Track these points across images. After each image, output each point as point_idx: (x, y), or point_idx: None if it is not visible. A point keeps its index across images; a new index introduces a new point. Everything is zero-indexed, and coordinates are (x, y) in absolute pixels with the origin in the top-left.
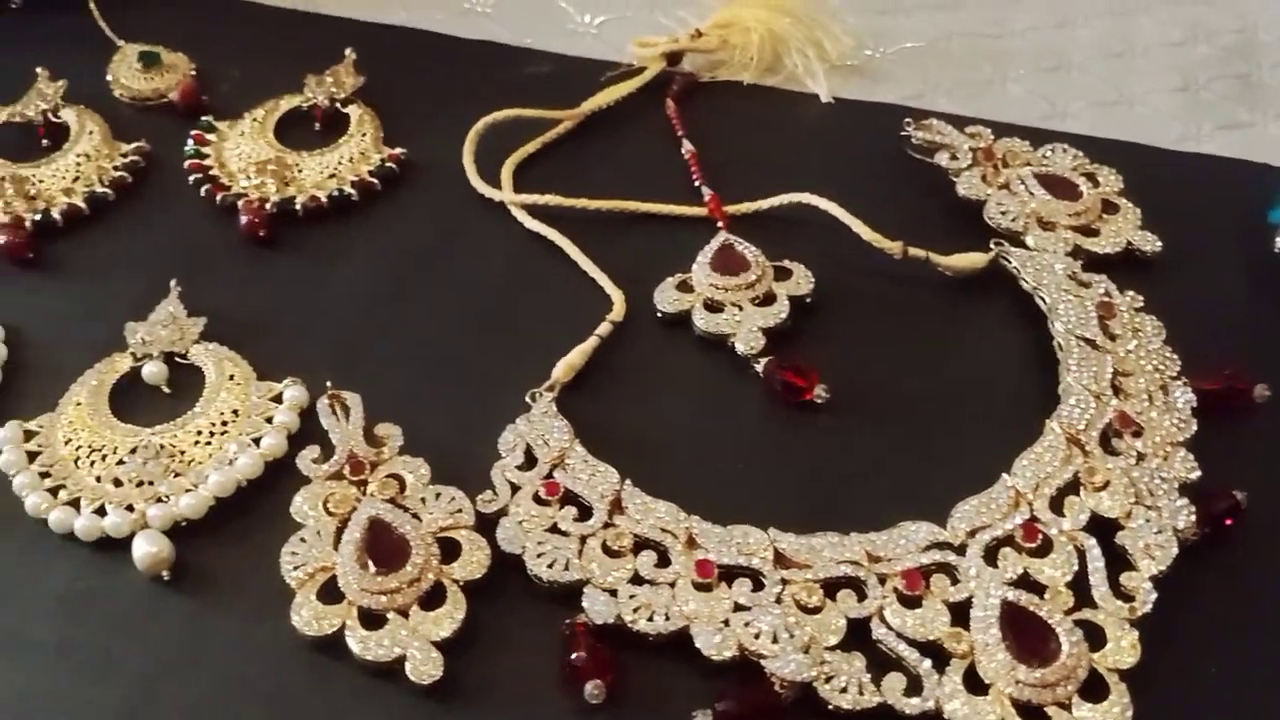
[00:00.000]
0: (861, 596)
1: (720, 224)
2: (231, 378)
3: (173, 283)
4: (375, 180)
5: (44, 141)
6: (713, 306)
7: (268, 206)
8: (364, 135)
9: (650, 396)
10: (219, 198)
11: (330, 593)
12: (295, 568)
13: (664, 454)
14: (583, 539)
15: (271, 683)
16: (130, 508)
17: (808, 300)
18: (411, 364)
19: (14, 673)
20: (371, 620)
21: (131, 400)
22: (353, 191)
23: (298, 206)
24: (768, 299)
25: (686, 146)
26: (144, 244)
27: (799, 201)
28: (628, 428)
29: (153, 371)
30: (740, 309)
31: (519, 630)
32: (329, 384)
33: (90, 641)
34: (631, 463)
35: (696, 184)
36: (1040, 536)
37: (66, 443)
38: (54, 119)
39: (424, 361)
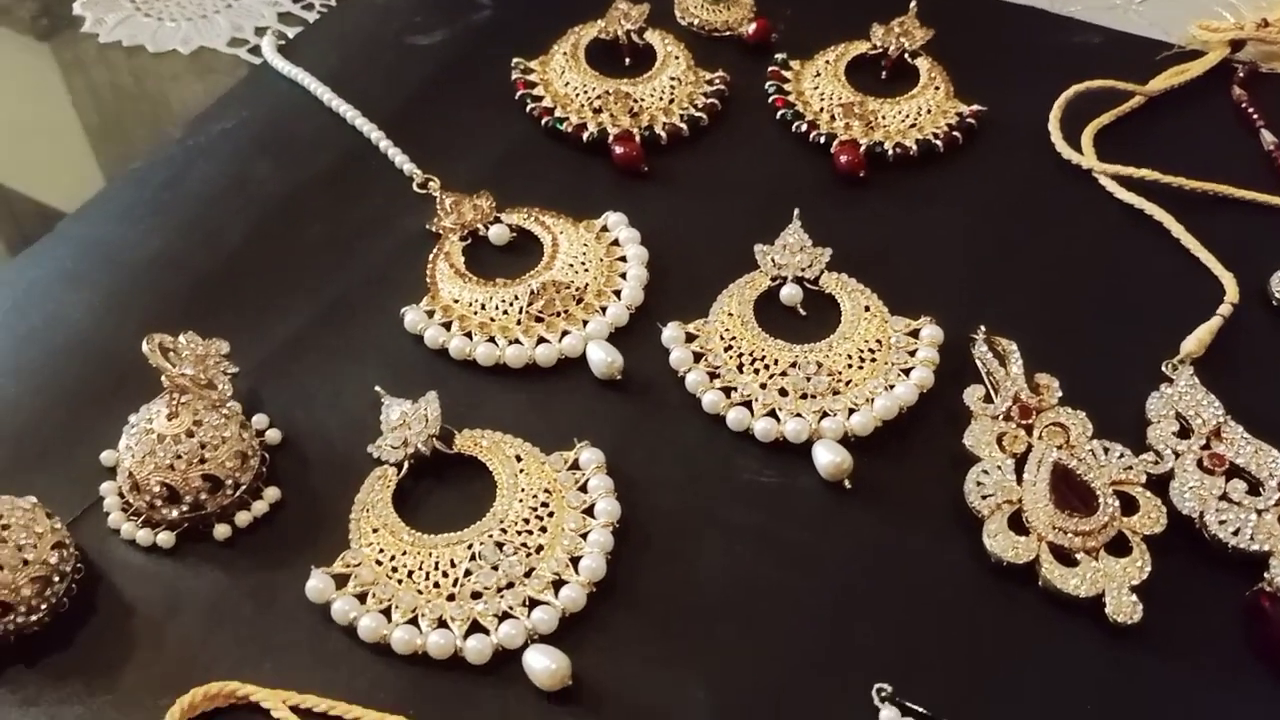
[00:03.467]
0: None
1: None
2: (867, 309)
3: (795, 212)
4: (957, 134)
5: (626, 61)
6: None
7: (860, 150)
8: (937, 89)
9: (1271, 383)
10: (812, 135)
11: (1014, 525)
12: (984, 496)
13: None
14: (1258, 511)
15: (960, 598)
16: (799, 415)
17: None
18: (1022, 316)
19: (722, 553)
20: (1060, 557)
21: (769, 314)
22: (938, 143)
23: (888, 151)
24: None
25: (1268, 138)
26: (740, 168)
27: None
28: (1252, 410)
29: (790, 293)
30: None
31: (1192, 587)
32: (982, 328)
33: (788, 535)
34: None
35: None
36: None
37: (726, 349)
38: (636, 41)
39: (1033, 315)
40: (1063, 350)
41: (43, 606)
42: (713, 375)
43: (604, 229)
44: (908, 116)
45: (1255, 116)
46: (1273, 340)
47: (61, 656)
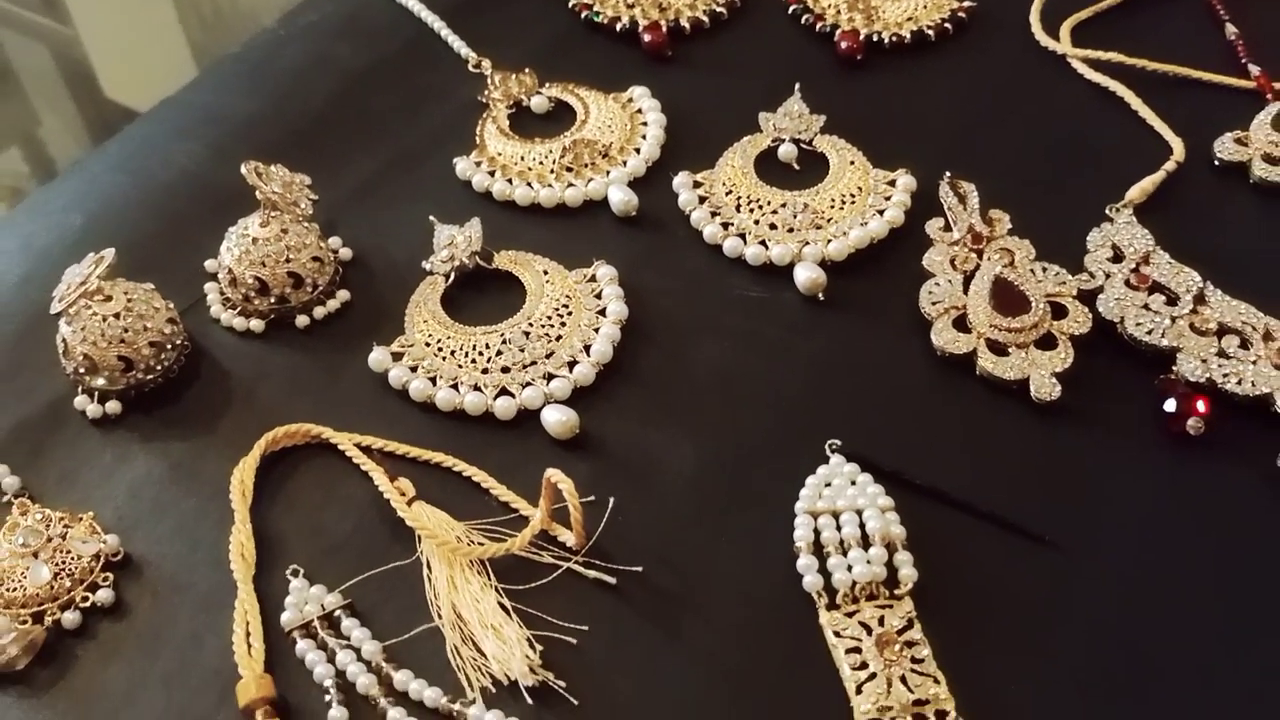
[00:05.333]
0: None
1: (1269, 96)
2: (852, 163)
3: (796, 85)
4: (948, 26)
5: None
6: (1272, 160)
7: (860, 37)
8: None
9: (1208, 227)
10: (818, 26)
11: (958, 325)
12: (933, 302)
13: (1223, 275)
14: (1172, 319)
15: (910, 383)
16: (784, 244)
17: None
18: (993, 172)
19: (713, 347)
20: (995, 349)
21: (768, 169)
22: (930, 32)
23: (885, 39)
24: None
25: (1231, 29)
26: (754, 55)
27: None
28: (1182, 248)
29: (787, 151)
30: None
31: (1111, 379)
32: (948, 173)
33: (770, 335)
34: None
35: (1243, 61)
36: None
37: (728, 193)
38: None
39: (999, 170)
40: (1020, 197)
41: (157, 367)
42: (714, 214)
43: (630, 100)
44: (905, 11)
45: (1222, 12)
46: (1210, 194)
47: (172, 409)
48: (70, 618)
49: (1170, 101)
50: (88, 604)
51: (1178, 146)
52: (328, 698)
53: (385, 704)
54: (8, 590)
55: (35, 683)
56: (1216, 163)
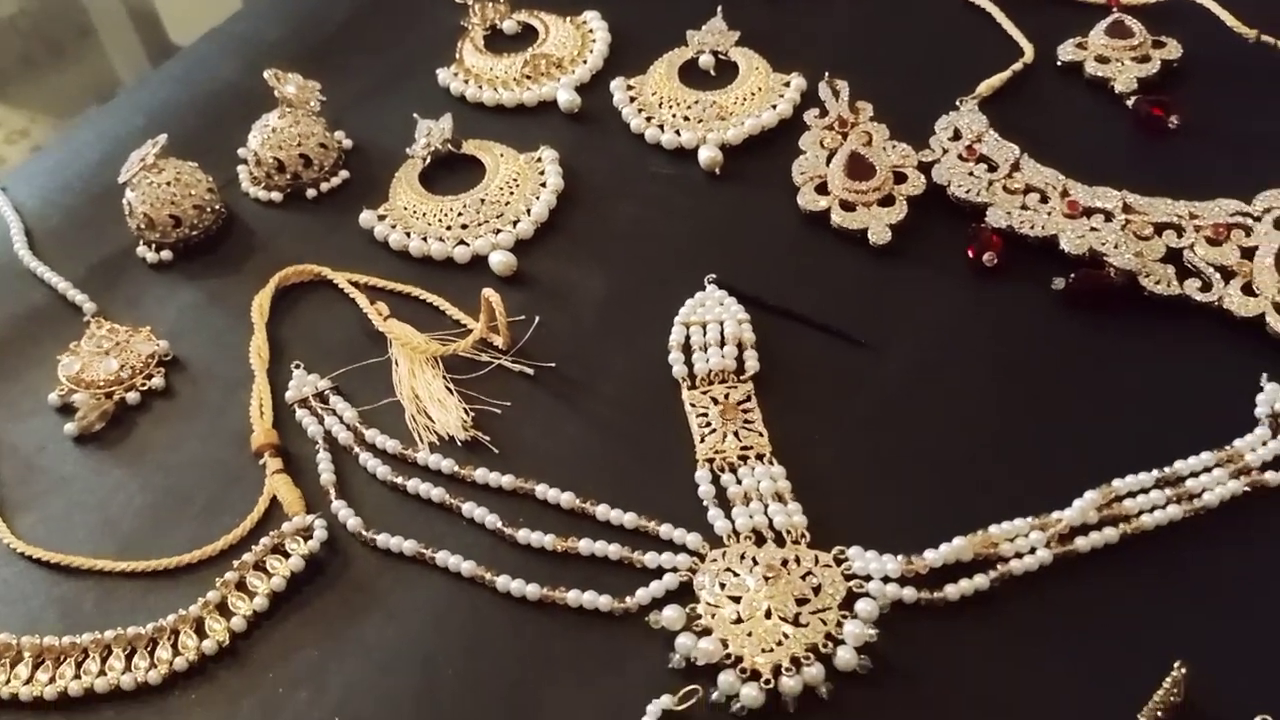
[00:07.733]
0: (1180, 234)
1: (1114, 9)
2: (757, 69)
3: (719, 7)
4: None
5: None
6: (1102, 59)
7: None
8: None
9: (1042, 114)
10: None
11: (819, 190)
12: (801, 172)
13: (1047, 152)
14: (990, 182)
15: (781, 235)
16: (692, 132)
17: (1174, 65)
18: (874, 75)
19: (631, 210)
20: (847, 207)
21: (689, 75)
22: None
23: None
24: (1144, 59)
25: None
26: None
27: None
28: (1022, 135)
29: (706, 61)
30: (1123, 64)
31: (937, 228)
32: (827, 74)
33: (677, 201)
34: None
35: None
36: None
37: (653, 94)
38: None
39: (883, 73)
40: (892, 93)
41: (200, 225)
42: (640, 110)
43: (584, 21)
44: None
45: None
46: (1049, 89)
47: (211, 256)
48: (132, 396)
49: (1032, 15)
50: (145, 388)
51: (1028, 50)
52: (317, 447)
53: (359, 450)
54: (88, 377)
55: (107, 441)
56: (1059, 64)
